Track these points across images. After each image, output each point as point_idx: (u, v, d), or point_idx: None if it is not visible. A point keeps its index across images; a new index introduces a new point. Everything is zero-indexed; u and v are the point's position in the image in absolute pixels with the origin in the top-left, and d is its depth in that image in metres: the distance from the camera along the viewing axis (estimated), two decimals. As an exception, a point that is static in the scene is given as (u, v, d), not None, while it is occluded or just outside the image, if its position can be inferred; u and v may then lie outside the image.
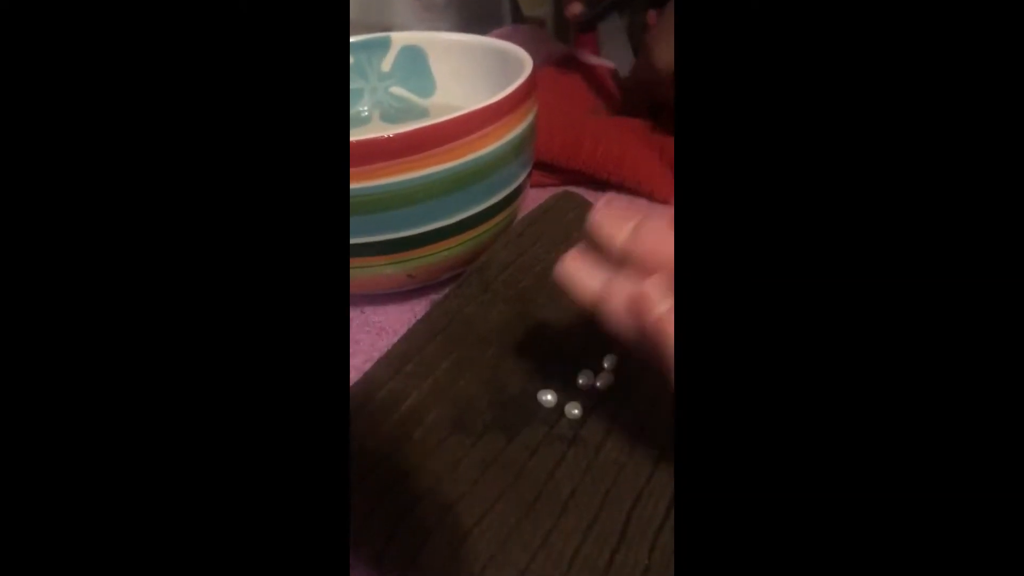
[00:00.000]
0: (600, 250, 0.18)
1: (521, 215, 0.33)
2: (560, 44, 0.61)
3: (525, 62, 0.31)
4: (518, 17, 0.72)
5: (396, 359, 0.25)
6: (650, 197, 0.39)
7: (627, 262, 0.18)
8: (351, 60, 0.38)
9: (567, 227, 0.32)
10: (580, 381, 0.25)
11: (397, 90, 0.39)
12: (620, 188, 0.40)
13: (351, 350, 0.29)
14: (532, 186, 0.39)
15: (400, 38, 0.38)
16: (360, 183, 0.25)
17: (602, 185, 0.40)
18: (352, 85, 0.39)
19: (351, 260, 0.28)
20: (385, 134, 0.25)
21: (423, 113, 0.38)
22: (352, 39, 0.37)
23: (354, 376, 0.26)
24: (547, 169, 0.41)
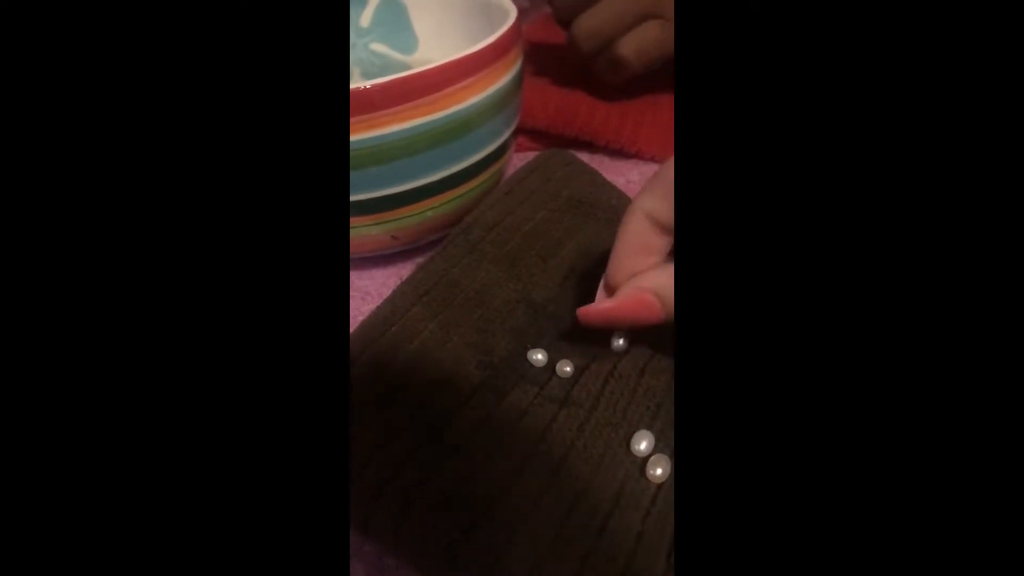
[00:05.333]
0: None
1: (508, 175, 0.32)
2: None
3: (509, 12, 0.30)
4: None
5: (381, 321, 0.24)
6: (652, 159, 0.38)
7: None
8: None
9: (556, 185, 0.31)
10: (619, 343, 0.24)
11: (377, 47, 0.38)
12: (617, 153, 0.39)
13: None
14: (519, 151, 0.38)
15: (379, -9, 0.37)
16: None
17: (594, 148, 0.39)
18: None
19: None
20: (362, 85, 0.23)
21: (405, 70, 0.37)
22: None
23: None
24: (539, 136, 0.39)
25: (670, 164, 0.20)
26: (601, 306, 0.21)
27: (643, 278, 0.21)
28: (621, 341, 0.23)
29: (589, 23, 0.37)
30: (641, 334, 0.23)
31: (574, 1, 0.37)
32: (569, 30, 0.38)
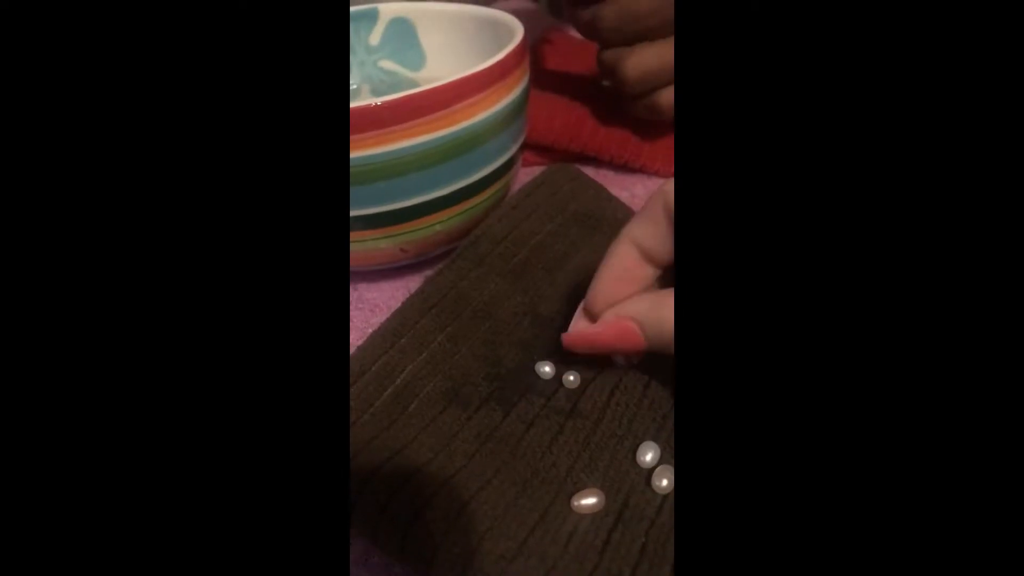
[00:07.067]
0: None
1: (514, 189, 0.33)
2: (554, 20, 0.61)
3: (516, 30, 0.30)
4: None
5: (390, 333, 0.25)
6: (656, 174, 0.39)
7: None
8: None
9: (562, 199, 0.31)
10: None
11: (386, 64, 0.38)
12: (621, 167, 0.39)
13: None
14: (525, 165, 0.39)
15: (388, 9, 0.37)
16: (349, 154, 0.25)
17: (599, 162, 0.40)
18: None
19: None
20: (373, 102, 0.24)
21: (413, 86, 0.37)
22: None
23: (347, 352, 0.25)
24: (544, 151, 0.40)
25: (660, 193, 0.20)
26: (584, 331, 0.21)
27: (625, 306, 0.21)
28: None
29: (643, 66, 0.34)
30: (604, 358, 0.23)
31: (623, 34, 0.34)
32: (613, 64, 0.35)
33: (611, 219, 0.31)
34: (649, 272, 0.21)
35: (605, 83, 0.44)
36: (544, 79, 0.46)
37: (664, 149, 0.39)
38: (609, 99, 0.41)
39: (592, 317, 0.22)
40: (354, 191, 0.26)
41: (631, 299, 0.21)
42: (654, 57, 0.34)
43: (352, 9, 0.37)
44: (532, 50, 0.50)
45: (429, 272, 0.32)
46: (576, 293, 0.27)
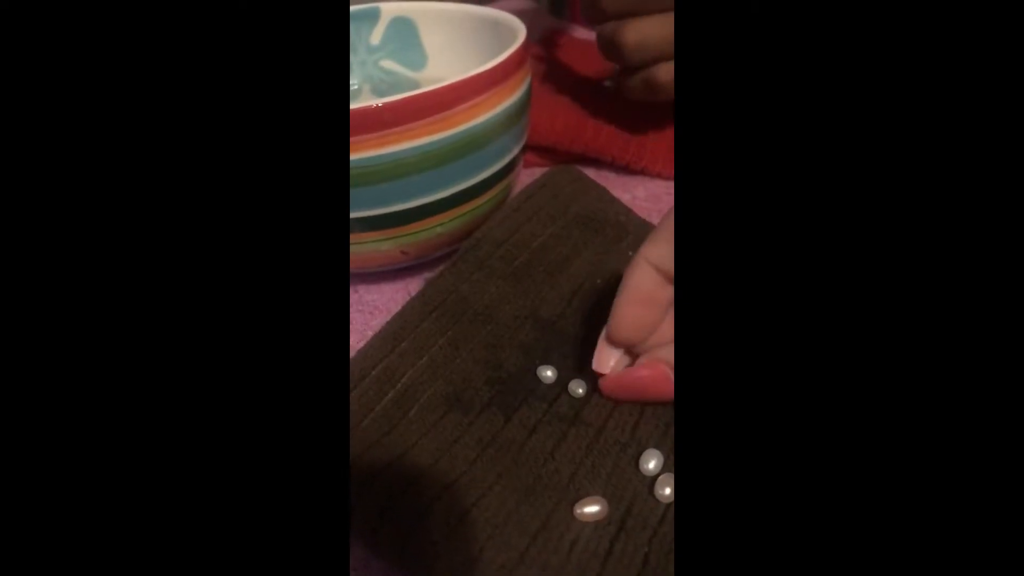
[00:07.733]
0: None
1: (516, 191, 0.32)
2: (556, 20, 0.60)
3: (518, 30, 0.30)
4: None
5: (390, 337, 0.24)
6: (658, 175, 0.39)
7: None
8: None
9: (564, 202, 0.31)
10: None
11: (387, 63, 0.38)
12: (623, 169, 0.39)
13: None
14: (526, 167, 0.39)
15: (390, 8, 0.37)
16: (350, 155, 0.24)
17: (601, 164, 0.39)
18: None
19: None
20: (374, 103, 0.24)
21: (414, 86, 0.37)
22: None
23: (346, 355, 0.25)
24: (546, 152, 0.40)
25: (672, 212, 0.19)
26: (621, 379, 0.21)
27: (661, 350, 0.20)
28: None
29: (642, 32, 0.33)
30: None
31: (624, 3, 0.33)
32: (612, 33, 0.34)
33: (613, 221, 0.31)
34: (670, 292, 0.20)
35: (607, 83, 0.44)
36: (546, 80, 0.45)
37: (665, 150, 0.38)
38: (611, 100, 0.40)
39: (616, 344, 0.22)
40: (354, 193, 0.25)
41: (668, 344, 0.20)
42: (654, 26, 0.33)
43: (353, 8, 0.37)
44: (533, 50, 0.50)
45: (429, 274, 0.32)
46: (578, 296, 0.27)
